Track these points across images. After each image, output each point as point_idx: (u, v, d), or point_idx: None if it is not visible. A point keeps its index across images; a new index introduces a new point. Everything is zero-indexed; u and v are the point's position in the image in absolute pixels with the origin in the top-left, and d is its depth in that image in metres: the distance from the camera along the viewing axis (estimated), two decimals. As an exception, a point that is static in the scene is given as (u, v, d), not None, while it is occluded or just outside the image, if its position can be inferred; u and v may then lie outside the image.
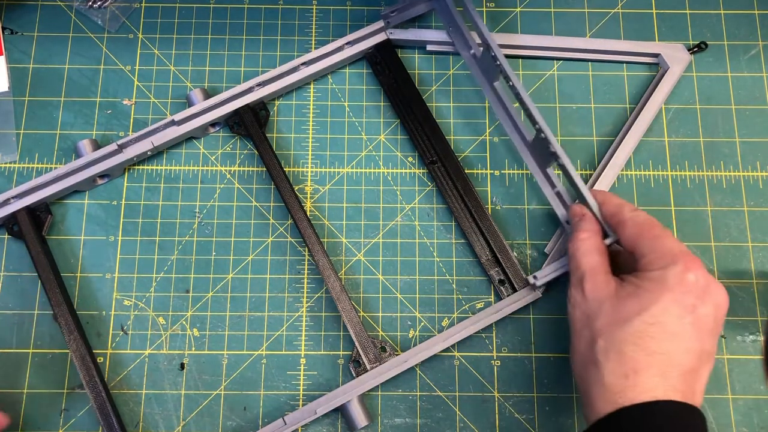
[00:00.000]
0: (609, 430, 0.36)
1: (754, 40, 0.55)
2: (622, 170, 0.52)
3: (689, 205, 0.51)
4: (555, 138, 0.45)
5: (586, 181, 0.51)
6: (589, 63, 0.54)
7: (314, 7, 0.56)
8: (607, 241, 0.43)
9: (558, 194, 0.48)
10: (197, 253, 0.50)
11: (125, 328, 0.49)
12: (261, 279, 0.50)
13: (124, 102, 0.53)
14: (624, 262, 0.42)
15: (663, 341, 0.36)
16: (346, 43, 0.52)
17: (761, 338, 0.48)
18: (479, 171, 0.52)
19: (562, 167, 0.45)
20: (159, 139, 0.50)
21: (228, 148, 0.53)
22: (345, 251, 0.50)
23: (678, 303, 0.37)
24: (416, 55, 0.55)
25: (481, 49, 0.50)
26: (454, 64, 0.54)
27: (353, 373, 0.46)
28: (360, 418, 0.45)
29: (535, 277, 0.47)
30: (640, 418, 0.35)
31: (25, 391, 0.47)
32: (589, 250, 0.41)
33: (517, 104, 0.52)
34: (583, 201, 0.44)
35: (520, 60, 0.54)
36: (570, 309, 0.41)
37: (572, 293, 0.41)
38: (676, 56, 0.53)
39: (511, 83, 0.46)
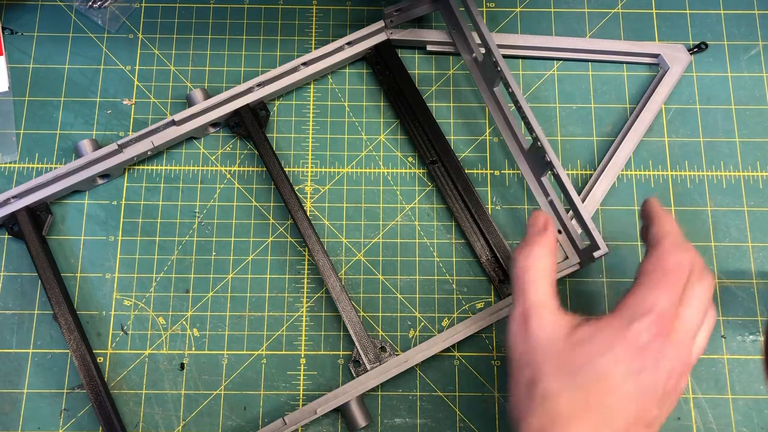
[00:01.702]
0: None
1: (754, 40, 0.55)
2: (622, 170, 0.51)
3: (689, 205, 0.51)
4: (551, 148, 0.45)
5: (585, 182, 0.51)
6: (589, 63, 0.54)
7: (314, 7, 0.56)
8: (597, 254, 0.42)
9: (551, 203, 0.48)
10: (197, 253, 0.50)
11: (125, 328, 0.49)
12: (261, 279, 0.50)
13: (124, 102, 0.53)
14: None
15: (605, 397, 0.34)
16: (346, 43, 0.52)
17: (761, 338, 0.48)
18: (479, 171, 0.52)
19: (557, 177, 0.44)
20: (159, 139, 0.50)
21: (228, 148, 0.53)
22: (345, 251, 0.50)
23: (626, 363, 0.34)
24: (416, 56, 0.55)
25: (482, 51, 0.50)
26: (454, 65, 0.54)
27: (353, 373, 0.46)
28: (360, 418, 0.45)
29: None
30: None
31: (25, 391, 0.47)
32: (538, 276, 0.37)
33: (513, 107, 0.52)
34: (575, 211, 0.44)
35: (520, 60, 0.54)
36: (511, 343, 0.37)
37: (515, 328, 0.37)
38: (676, 56, 0.53)
39: (510, 90, 0.46)
